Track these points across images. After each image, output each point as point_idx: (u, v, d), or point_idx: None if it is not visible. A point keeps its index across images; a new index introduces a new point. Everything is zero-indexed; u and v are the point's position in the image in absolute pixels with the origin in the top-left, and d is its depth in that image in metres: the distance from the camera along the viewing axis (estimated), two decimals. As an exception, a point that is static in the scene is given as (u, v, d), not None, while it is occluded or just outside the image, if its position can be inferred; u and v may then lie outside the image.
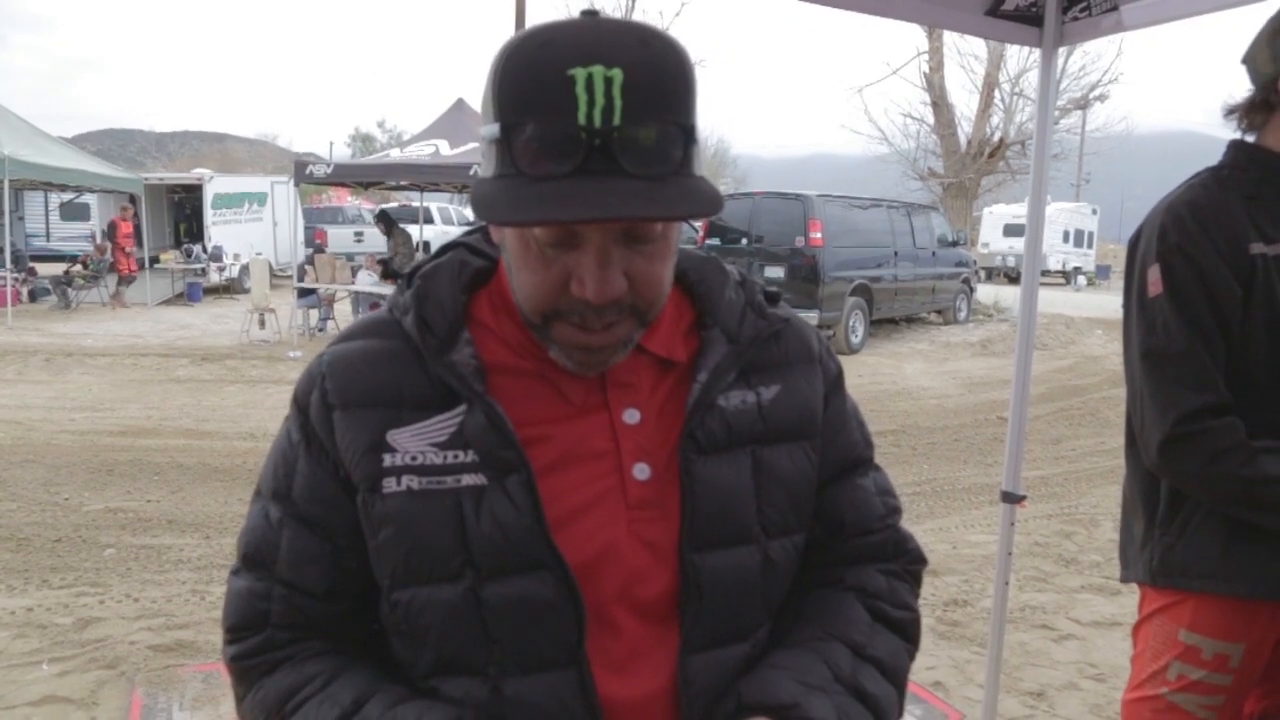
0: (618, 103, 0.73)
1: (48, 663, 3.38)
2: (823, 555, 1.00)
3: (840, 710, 0.86)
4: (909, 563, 1.04)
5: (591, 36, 0.75)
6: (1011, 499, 2.54)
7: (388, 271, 12.02)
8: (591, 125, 0.73)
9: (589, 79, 0.73)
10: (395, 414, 0.87)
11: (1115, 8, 2.24)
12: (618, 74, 0.73)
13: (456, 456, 0.85)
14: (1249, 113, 1.61)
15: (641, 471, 0.88)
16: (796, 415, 0.96)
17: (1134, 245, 1.65)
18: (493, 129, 0.78)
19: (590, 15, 0.79)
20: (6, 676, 3.26)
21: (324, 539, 0.90)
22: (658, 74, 0.76)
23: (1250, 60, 1.61)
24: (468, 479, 0.85)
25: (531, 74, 0.75)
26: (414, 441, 0.86)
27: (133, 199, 17.18)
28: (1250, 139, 1.63)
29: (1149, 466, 1.61)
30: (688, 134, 0.78)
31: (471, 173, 11.14)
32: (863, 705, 0.89)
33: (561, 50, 0.75)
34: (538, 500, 0.84)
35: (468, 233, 0.99)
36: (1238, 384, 1.52)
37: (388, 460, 0.86)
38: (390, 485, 0.85)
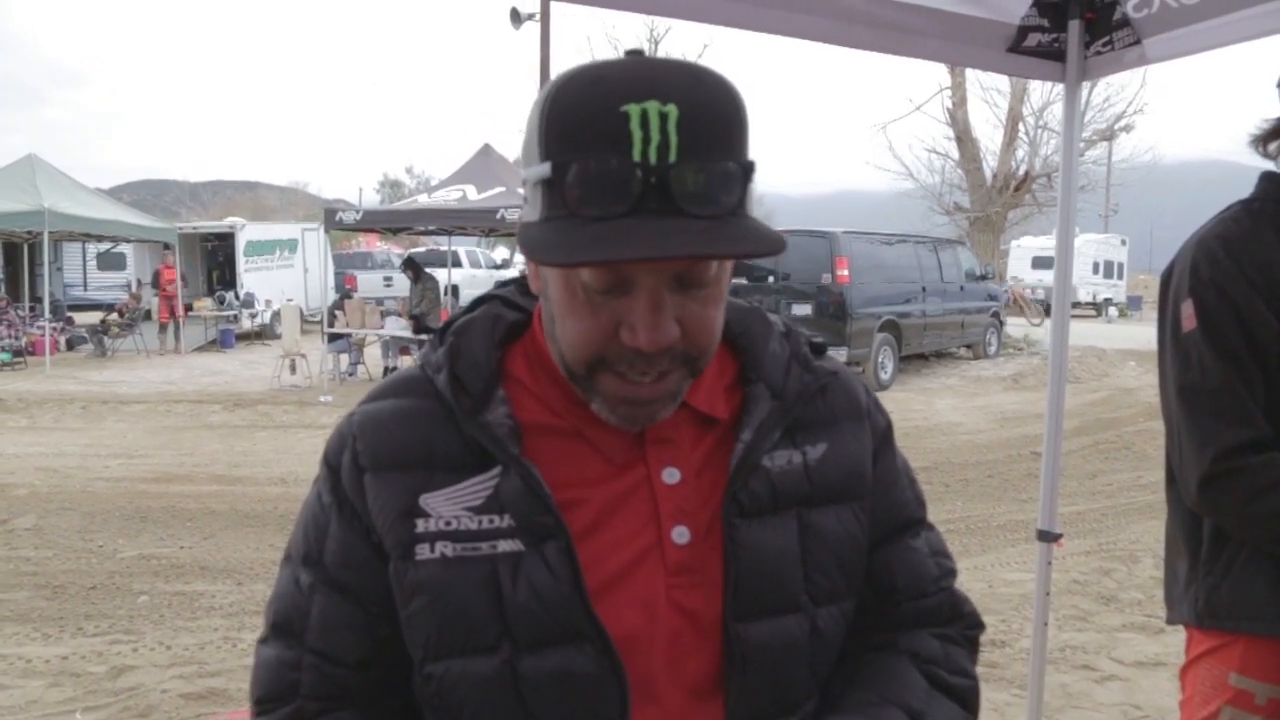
0: (673, 139, 0.70)
1: (81, 712, 3.40)
2: (875, 619, 0.95)
3: None
4: (966, 627, 0.99)
5: (644, 73, 0.73)
6: (1048, 537, 2.49)
7: (420, 327, 12.11)
8: (647, 162, 0.70)
9: (644, 115, 0.70)
10: (428, 477, 0.83)
11: (1138, 41, 2.24)
12: (673, 110, 0.70)
13: (492, 521, 0.82)
14: (1266, 139, 1.60)
15: (680, 535, 0.84)
16: (845, 475, 0.92)
17: (1166, 280, 1.63)
18: (540, 170, 0.74)
19: (636, 54, 0.77)
20: (40, 726, 3.28)
21: (357, 605, 0.86)
22: (713, 110, 0.73)
23: None
24: (504, 545, 0.81)
25: (583, 111, 0.72)
26: (448, 506, 0.82)
27: (167, 248, 17.54)
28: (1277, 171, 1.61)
29: (1189, 505, 1.57)
30: (745, 172, 0.74)
31: (499, 216, 11.26)
32: None
33: (613, 86, 0.72)
34: (577, 568, 0.80)
35: (502, 284, 0.96)
36: (1276, 418, 1.49)
37: (420, 526, 0.82)
38: (423, 552, 0.82)
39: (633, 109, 0.70)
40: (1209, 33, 2.13)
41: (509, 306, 0.93)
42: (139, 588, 4.81)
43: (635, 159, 0.70)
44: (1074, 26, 2.31)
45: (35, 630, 4.21)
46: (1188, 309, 1.53)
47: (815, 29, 2.10)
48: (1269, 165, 1.63)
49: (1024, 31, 2.30)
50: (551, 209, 0.74)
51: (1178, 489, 1.62)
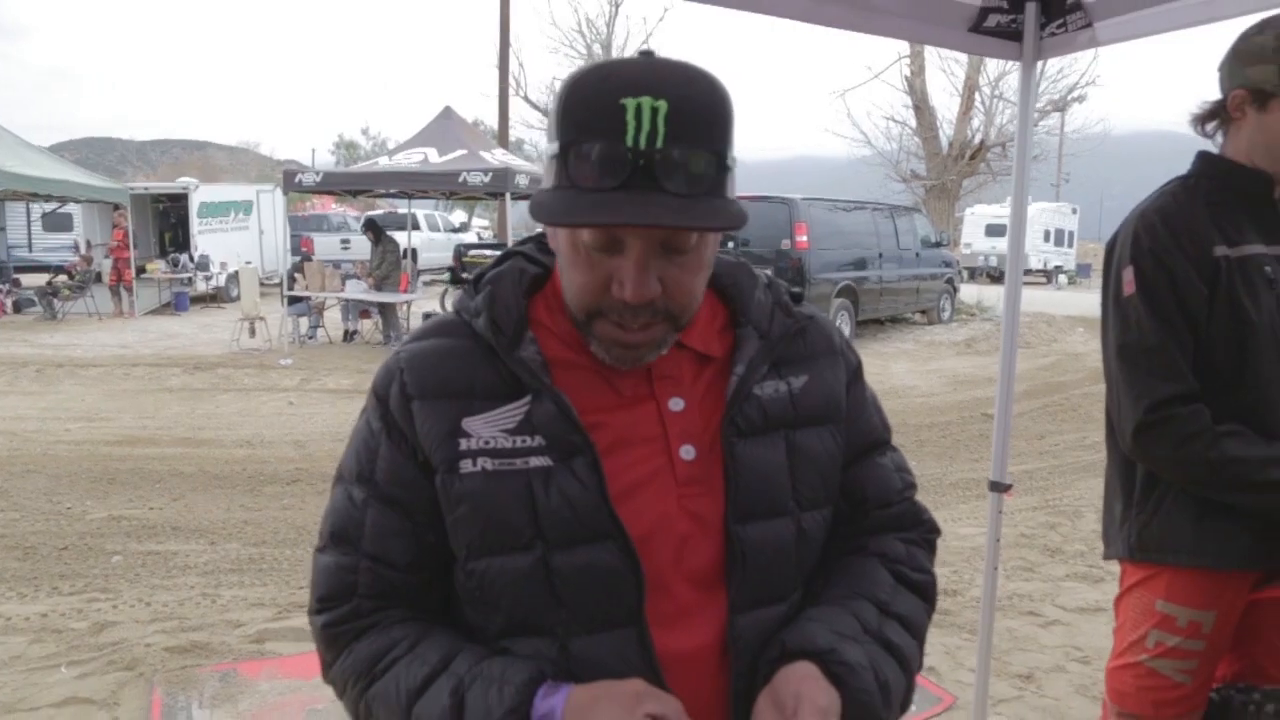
0: (661, 129, 0.86)
1: (66, 666, 3.47)
2: (848, 527, 1.12)
3: (870, 657, 0.98)
4: (925, 532, 1.17)
5: (645, 72, 0.88)
6: (999, 488, 2.67)
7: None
8: (637, 147, 0.86)
9: (638, 108, 0.85)
10: (468, 404, 0.97)
11: (1090, 24, 2.38)
12: (663, 105, 0.86)
13: (525, 441, 0.95)
14: (1204, 119, 1.76)
15: (687, 452, 0.99)
16: (823, 402, 1.08)
17: (1110, 249, 1.80)
18: (553, 147, 0.90)
19: (647, 54, 0.92)
20: (27, 679, 3.35)
21: (405, 516, 1.00)
22: (698, 107, 0.88)
23: (1219, 71, 1.76)
24: (535, 461, 0.95)
25: (590, 102, 0.88)
26: (486, 428, 0.96)
27: (117, 208, 17.16)
28: (1215, 150, 1.78)
29: (1125, 452, 1.75)
30: (720, 160, 0.89)
31: (460, 180, 11.24)
32: (888, 654, 1.01)
33: (617, 83, 0.87)
34: (603, 478, 0.94)
35: (522, 242, 1.11)
36: (1205, 374, 1.67)
37: (463, 445, 0.96)
38: (467, 466, 0.96)
39: (629, 102, 0.86)
40: (1155, 18, 2.27)
41: (530, 261, 1.08)
42: (112, 548, 4.85)
43: (628, 144, 0.86)
44: (1030, 9, 2.44)
45: (10, 590, 4.24)
46: (1128, 275, 1.70)
47: (783, 6, 2.20)
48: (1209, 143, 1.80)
49: (984, 12, 2.43)
50: (559, 180, 0.90)
51: (1116, 439, 1.80)
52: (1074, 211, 32.80)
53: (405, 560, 1.00)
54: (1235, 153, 1.73)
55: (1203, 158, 1.78)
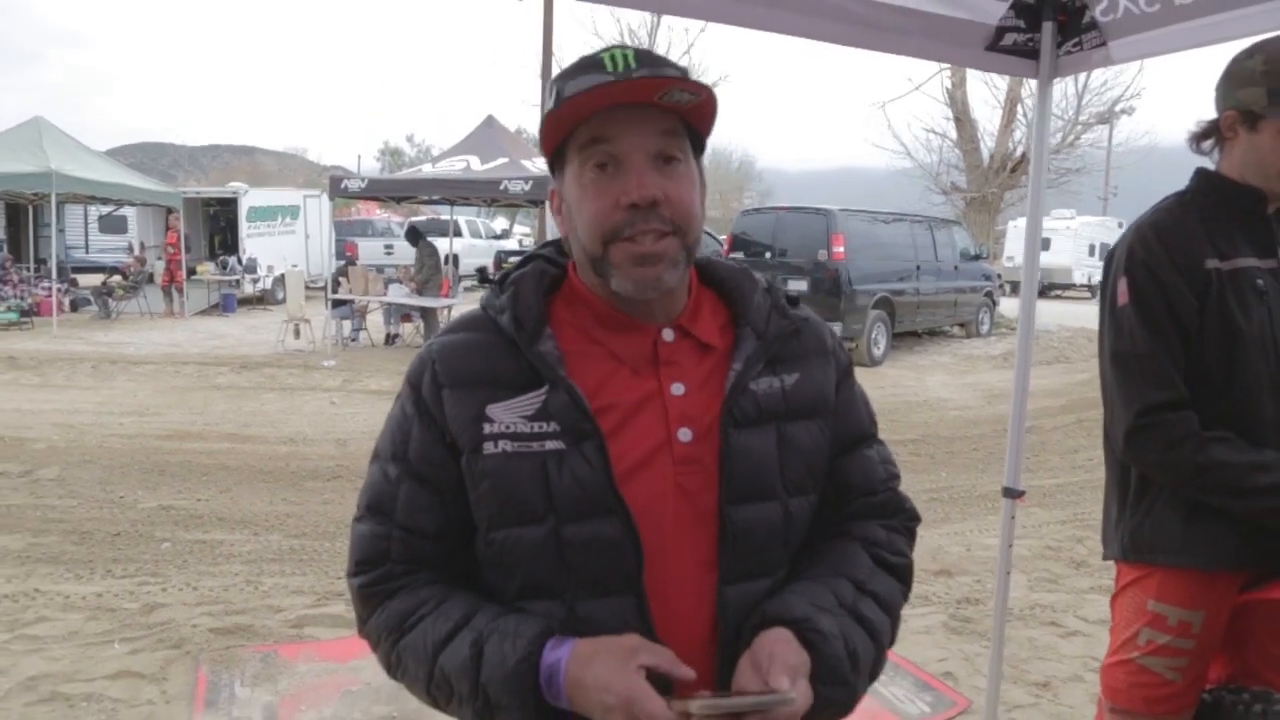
0: (634, 63, 1.06)
1: (119, 642, 3.67)
2: (835, 512, 1.22)
3: (842, 627, 1.09)
4: (906, 520, 1.27)
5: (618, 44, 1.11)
6: (1012, 494, 2.74)
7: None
8: (615, 72, 1.05)
9: (613, 55, 1.07)
10: (493, 392, 1.09)
11: (1104, 43, 2.46)
12: (632, 52, 1.07)
13: (541, 427, 1.07)
14: (1200, 138, 1.84)
15: (684, 435, 1.09)
16: (813, 398, 1.18)
17: (1109, 261, 1.89)
18: (548, 102, 1.08)
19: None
20: (84, 653, 3.54)
21: (434, 491, 1.12)
22: (662, 57, 1.11)
23: (1215, 91, 1.84)
24: (550, 444, 1.06)
25: (578, 61, 1.10)
26: (507, 414, 1.08)
27: (170, 211, 17.66)
28: (1212, 167, 1.86)
29: (1118, 455, 1.84)
30: (683, 74, 1.08)
31: (501, 187, 11.46)
32: (860, 626, 1.11)
33: (597, 51, 1.10)
34: (609, 461, 1.06)
35: (543, 246, 1.24)
36: (1196, 382, 1.75)
37: (487, 429, 1.08)
38: (489, 448, 1.07)
39: (606, 54, 1.08)
40: (1167, 38, 2.35)
41: (550, 264, 1.21)
42: (161, 535, 5.07)
43: (607, 71, 1.06)
44: (1047, 28, 2.53)
45: (68, 571, 4.47)
46: (1123, 286, 1.79)
47: (803, 26, 2.30)
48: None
49: (1001, 31, 2.52)
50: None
51: (1112, 445, 1.88)
52: (1120, 225, 32.28)
53: (432, 530, 1.13)
54: (1230, 169, 1.81)
55: (1199, 174, 1.86)
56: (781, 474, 1.13)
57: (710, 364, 1.15)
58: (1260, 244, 1.79)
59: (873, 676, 1.13)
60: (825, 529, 1.22)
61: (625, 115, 1.05)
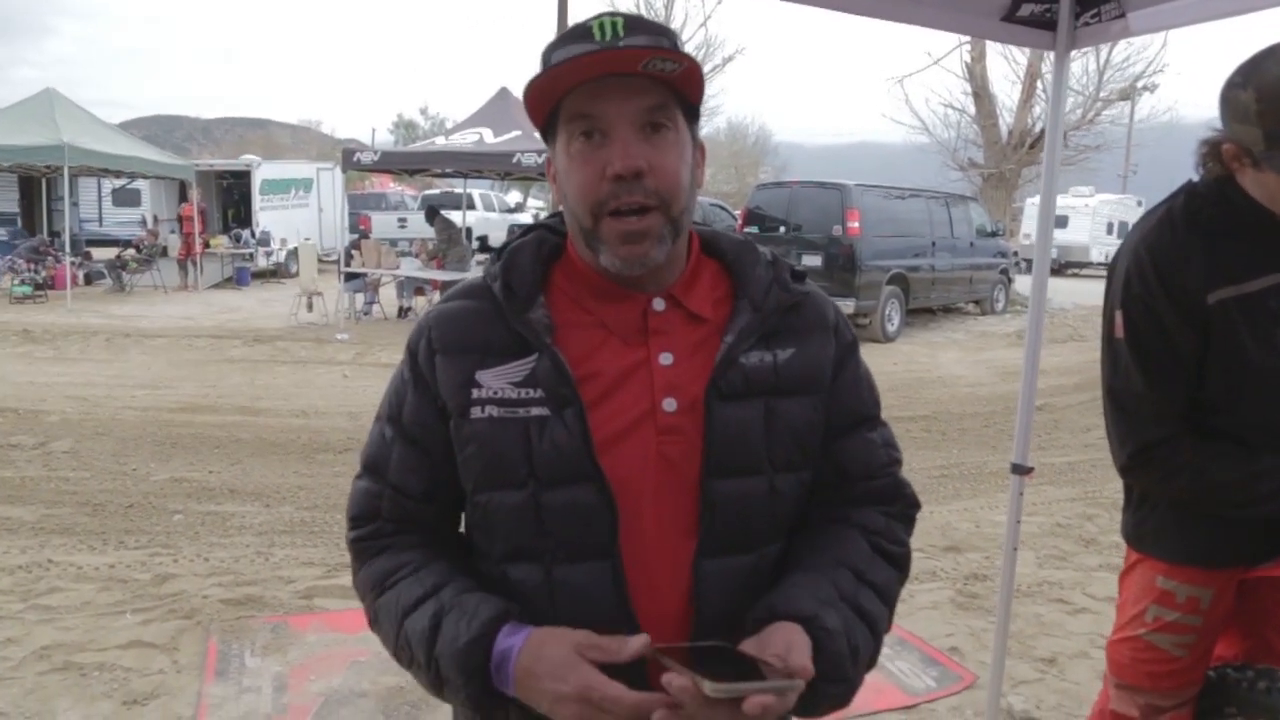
0: (621, 31, 1.05)
1: (131, 612, 3.71)
2: (835, 495, 1.19)
3: (845, 622, 1.08)
4: (905, 506, 1.24)
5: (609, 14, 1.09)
6: (1021, 470, 2.72)
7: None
8: (603, 40, 1.05)
9: (601, 23, 1.07)
10: (482, 358, 1.10)
11: (1123, 15, 2.41)
12: (622, 20, 1.06)
13: (527, 393, 1.08)
14: (1204, 162, 1.72)
15: (669, 405, 1.09)
16: (807, 374, 1.15)
17: (1109, 277, 1.81)
18: (538, 71, 1.07)
19: None
20: (96, 623, 3.59)
21: (424, 454, 1.14)
22: (655, 23, 1.10)
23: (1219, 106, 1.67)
24: (535, 411, 1.07)
25: (568, 30, 1.09)
26: (495, 380, 1.09)
27: (183, 185, 17.68)
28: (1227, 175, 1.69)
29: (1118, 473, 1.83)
30: (673, 41, 1.08)
31: (515, 160, 11.40)
32: (860, 620, 1.10)
33: (588, 21, 1.09)
34: (587, 429, 1.06)
35: (549, 217, 1.24)
36: (1198, 402, 1.70)
37: (475, 394, 1.09)
38: (476, 413, 1.09)
39: (595, 21, 1.07)
40: (1188, 9, 2.30)
41: (552, 233, 1.21)
42: (173, 507, 5.11)
43: (595, 38, 1.06)
44: (1065, -2, 2.48)
45: (81, 542, 4.51)
46: (1119, 319, 1.74)
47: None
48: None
49: (1018, 1, 2.47)
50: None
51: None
52: (1139, 204, 31.91)
53: (420, 491, 1.15)
54: (1248, 183, 1.67)
55: (1211, 186, 1.72)
56: (768, 449, 1.12)
57: (701, 334, 1.14)
58: (1277, 256, 1.66)
59: (868, 668, 1.12)
60: (824, 512, 1.20)
61: (613, 85, 1.05)
